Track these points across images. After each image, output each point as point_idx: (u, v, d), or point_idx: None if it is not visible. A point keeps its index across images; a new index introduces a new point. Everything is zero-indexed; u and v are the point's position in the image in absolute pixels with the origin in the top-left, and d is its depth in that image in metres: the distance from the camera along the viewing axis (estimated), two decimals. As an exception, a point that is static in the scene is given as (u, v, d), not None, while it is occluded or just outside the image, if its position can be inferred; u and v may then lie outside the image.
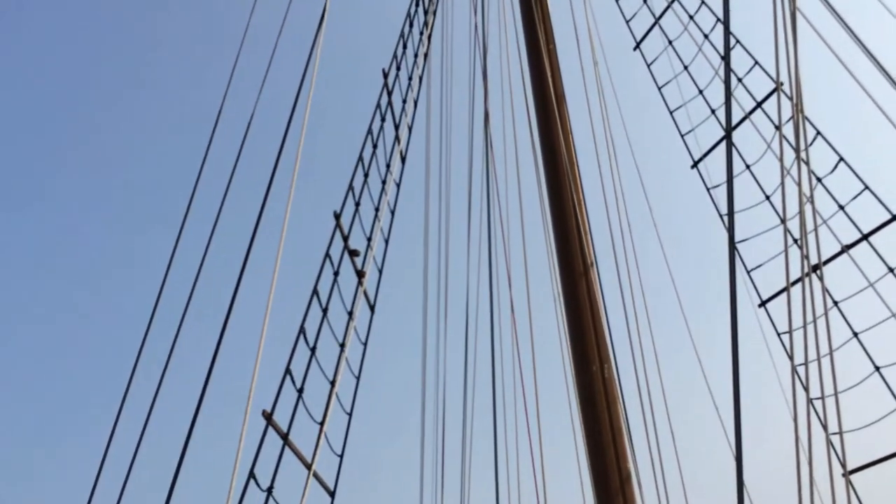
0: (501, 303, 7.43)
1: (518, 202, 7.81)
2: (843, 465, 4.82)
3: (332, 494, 5.14)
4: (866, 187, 6.05)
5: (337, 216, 5.76)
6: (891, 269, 5.72)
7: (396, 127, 7.37)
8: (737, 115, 7.48)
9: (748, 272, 6.80)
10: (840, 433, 4.47)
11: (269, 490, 4.07)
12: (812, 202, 5.24)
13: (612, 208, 7.70)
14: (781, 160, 4.88)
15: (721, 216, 7.41)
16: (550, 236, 7.22)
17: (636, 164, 8.57)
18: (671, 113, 8.19)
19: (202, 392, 3.97)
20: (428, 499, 7.37)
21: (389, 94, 6.98)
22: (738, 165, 7.26)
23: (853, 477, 5.17)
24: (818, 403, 4.68)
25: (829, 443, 4.92)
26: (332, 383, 5.16)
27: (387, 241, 7.12)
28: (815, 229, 4.78)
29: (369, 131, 6.53)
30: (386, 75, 7.11)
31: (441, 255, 8.54)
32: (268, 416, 4.24)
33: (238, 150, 5.50)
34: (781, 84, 4.93)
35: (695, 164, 7.72)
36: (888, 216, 5.89)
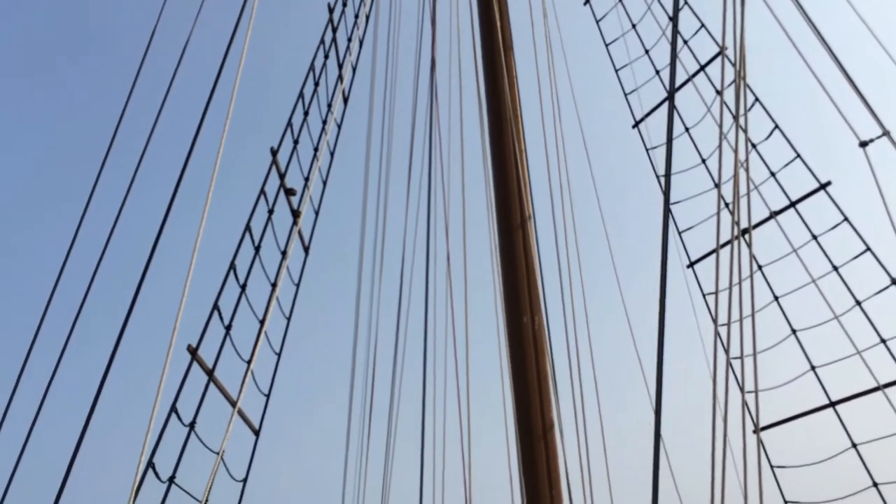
0: (438, 251, 7.44)
1: (460, 151, 7.75)
2: (755, 423, 5.03)
3: (256, 433, 5.12)
4: (798, 156, 6.21)
5: (274, 153, 5.61)
6: (814, 237, 5.91)
7: (340, 66, 7.19)
8: (681, 78, 7.55)
9: (680, 233, 6.95)
10: (755, 392, 4.66)
11: (192, 425, 4.02)
12: (746, 168, 5.34)
13: (552, 163, 7.73)
14: (721, 125, 4.95)
15: (658, 177, 7.52)
16: (490, 187, 7.21)
17: (579, 120, 8.59)
18: (617, 71, 8.21)
19: (124, 323, 3.85)
20: (354, 443, 7.42)
21: (334, 30, 6.77)
22: (678, 128, 7.36)
23: (763, 433, 5.41)
24: (736, 363, 4.85)
25: (744, 401, 5.11)
26: (262, 322, 5.09)
27: (325, 183, 7.00)
28: (748, 194, 4.89)
29: (311, 67, 6.35)
30: (331, 10, 6.90)
31: (380, 201, 8.46)
32: (193, 352, 4.16)
33: (173, 72, 5.27)
34: (726, 49, 4.97)
35: (636, 124, 7.78)
36: (816, 185, 6.07)
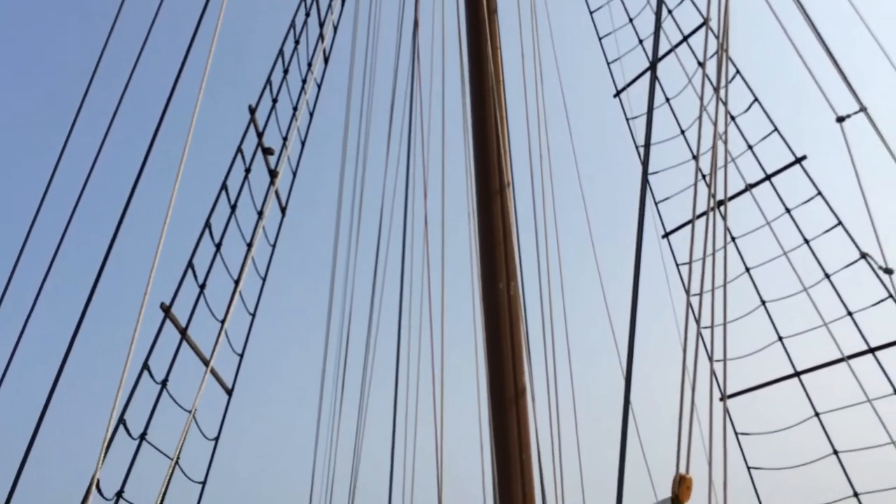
0: (416, 215, 7.42)
1: (441, 115, 7.70)
2: (722, 391, 5.12)
3: (229, 392, 5.13)
4: (775, 129, 6.25)
5: (252, 110, 5.54)
6: (788, 210, 5.98)
7: (321, 25, 7.08)
8: (664, 48, 7.53)
9: (656, 204, 6.99)
10: (724, 361, 4.74)
11: (164, 383, 4.02)
12: (725, 140, 5.37)
13: (533, 130, 7.71)
14: (701, 96, 4.96)
15: (637, 147, 7.54)
16: (470, 152, 7.19)
17: (562, 87, 8.56)
18: (600, 39, 8.18)
19: (95, 280, 3.82)
20: (327, 404, 7.46)
21: (316, -12, 6.66)
22: (658, 98, 7.36)
23: (729, 402, 5.52)
24: (707, 332, 4.92)
25: (712, 370, 5.20)
26: (236, 282, 5.08)
27: (303, 143, 6.93)
28: (725, 166, 4.92)
29: (292, 25, 6.24)
30: (313, -32, 6.77)
31: (359, 164, 8.40)
32: (166, 310, 4.14)
33: (149, 27, 5.16)
34: (709, 20, 4.95)
35: (618, 93, 7.78)
36: (792, 159, 6.12)
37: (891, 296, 5.20)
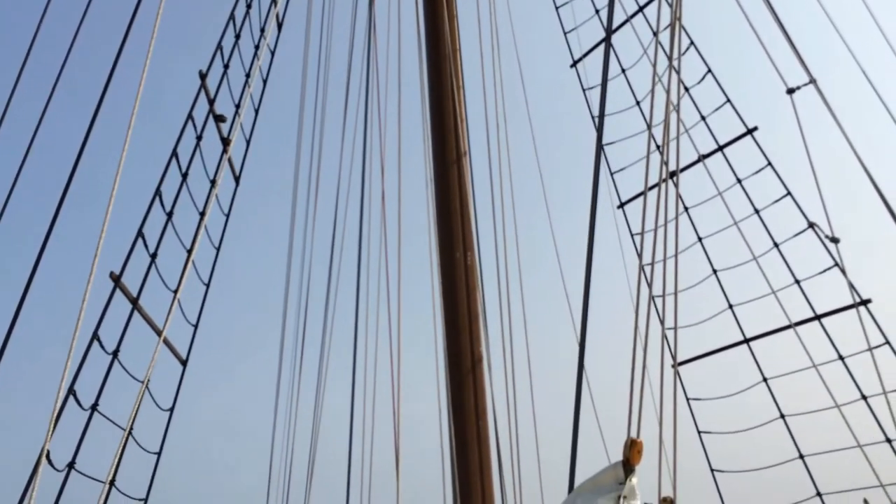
0: (373, 184, 7.36)
1: (398, 84, 7.63)
2: (674, 357, 5.23)
3: (184, 363, 5.07)
4: (728, 100, 6.33)
5: (202, 76, 5.41)
6: (739, 181, 6.09)
7: (274, -11, 6.92)
8: (619, 19, 7.55)
9: (611, 174, 7.05)
10: (675, 328, 4.83)
11: (115, 353, 3.95)
12: (678, 111, 5.43)
13: (490, 100, 7.69)
14: (655, 67, 4.98)
15: (593, 117, 7.57)
16: (427, 121, 7.16)
17: (518, 57, 8.54)
18: (557, 9, 8.16)
19: (41, 249, 3.72)
20: (286, 375, 7.43)
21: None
22: (614, 69, 7.39)
23: (681, 368, 5.64)
24: (659, 301, 5.01)
25: (664, 337, 5.30)
26: (189, 251, 4.99)
27: (257, 111, 6.80)
28: (678, 137, 4.97)
29: (244, -12, 6.09)
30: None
31: (315, 133, 8.28)
32: (116, 279, 4.06)
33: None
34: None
35: (574, 64, 7.78)
36: (744, 129, 6.21)
37: (836, 264, 5.35)
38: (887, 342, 4.96)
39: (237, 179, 6.45)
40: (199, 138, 5.64)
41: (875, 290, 5.29)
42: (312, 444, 6.89)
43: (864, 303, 5.06)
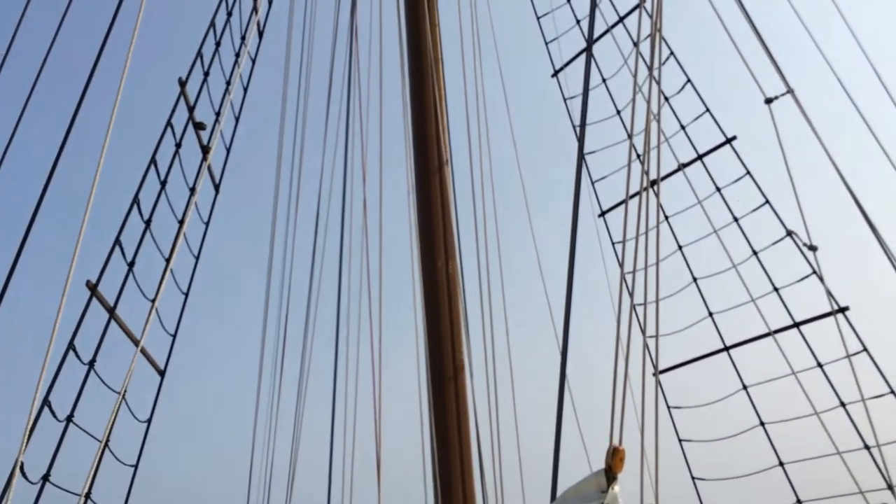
0: (355, 193, 7.34)
1: (379, 93, 7.62)
2: (655, 366, 5.24)
3: (161, 373, 5.01)
4: (707, 110, 6.38)
5: (182, 83, 5.37)
6: (718, 189, 6.13)
7: (255, -3, 6.90)
8: (600, 29, 7.60)
9: (592, 183, 7.08)
10: (656, 336, 4.84)
11: (91, 363, 3.89)
12: (658, 120, 5.46)
13: (472, 109, 7.69)
14: (635, 77, 5.01)
15: (574, 127, 7.61)
16: (409, 130, 7.15)
17: (500, 67, 8.57)
18: (538, 19, 8.20)
19: (17, 254, 3.66)
20: (266, 385, 7.36)
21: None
22: (595, 79, 7.44)
23: (662, 376, 5.66)
24: (640, 309, 5.01)
25: (646, 345, 5.32)
26: (168, 260, 4.94)
27: (237, 119, 6.77)
28: (658, 146, 5.00)
29: (224, -4, 6.07)
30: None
31: (296, 141, 8.25)
32: (92, 287, 4.00)
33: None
34: (644, 1, 5.01)
35: (555, 73, 7.83)
36: (723, 139, 6.26)
37: (814, 272, 5.40)
38: (865, 349, 5.01)
39: (217, 188, 6.40)
40: (178, 146, 5.59)
41: (854, 297, 5.34)
42: (293, 451, 6.84)
43: (842, 310, 5.10)
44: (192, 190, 5.79)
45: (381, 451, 4.81)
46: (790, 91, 6.02)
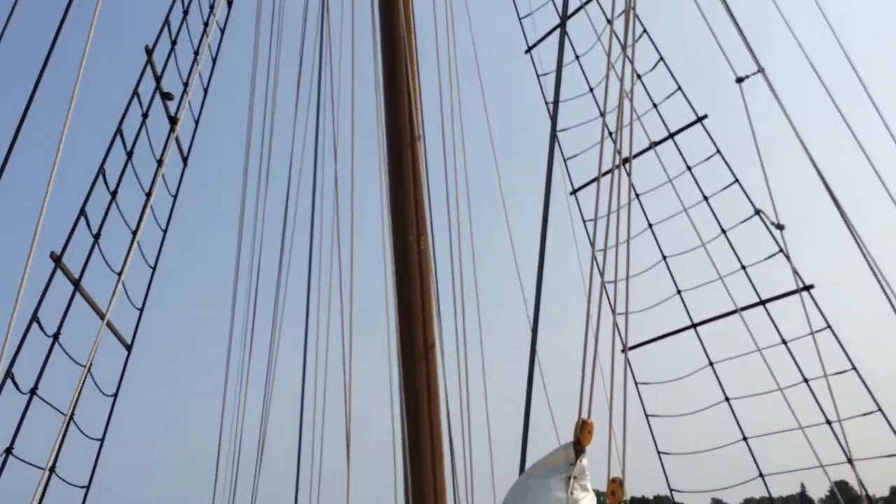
0: (326, 168, 7.26)
1: (351, 66, 7.51)
2: (624, 343, 5.30)
3: (128, 347, 4.95)
4: (679, 88, 6.40)
5: (149, 52, 5.25)
6: (689, 168, 6.17)
7: (225, -34, 6.75)
8: (574, 5, 7.57)
9: (565, 161, 7.09)
10: (626, 314, 4.88)
11: (56, 336, 3.82)
12: (631, 98, 5.47)
13: (444, 84, 7.62)
14: (609, 54, 5.01)
15: (546, 103, 7.59)
16: (381, 105, 7.07)
17: (473, 42, 8.50)
18: (513, -7, 8.13)
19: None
20: (235, 361, 7.30)
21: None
22: (568, 56, 7.42)
23: (631, 353, 5.72)
24: (610, 287, 5.03)
25: (615, 322, 5.35)
26: (134, 233, 4.86)
27: (206, 91, 6.65)
28: (630, 124, 5.01)
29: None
30: None
31: (267, 115, 8.12)
32: (56, 259, 3.92)
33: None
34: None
35: (529, 49, 7.79)
36: (694, 118, 6.29)
37: (781, 250, 5.48)
38: (829, 327, 5.10)
39: (185, 160, 6.30)
40: (144, 116, 5.48)
41: (820, 276, 5.43)
42: (262, 428, 6.81)
43: (807, 288, 5.19)
44: (160, 161, 5.68)
45: (351, 426, 4.80)
46: (761, 70, 6.05)
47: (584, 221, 6.62)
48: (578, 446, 3.06)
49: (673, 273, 5.94)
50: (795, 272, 5.26)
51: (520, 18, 7.97)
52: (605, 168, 4.33)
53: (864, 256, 4.95)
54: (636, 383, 5.60)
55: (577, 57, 7.39)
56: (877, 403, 4.94)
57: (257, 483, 6.58)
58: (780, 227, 5.49)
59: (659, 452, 5.40)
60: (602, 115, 4.67)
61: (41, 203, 3.55)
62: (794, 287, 5.25)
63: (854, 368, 5.01)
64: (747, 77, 6.04)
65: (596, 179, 4.34)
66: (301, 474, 5.91)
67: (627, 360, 5.42)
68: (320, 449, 5.94)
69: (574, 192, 6.84)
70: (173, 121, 5.94)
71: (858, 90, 5.91)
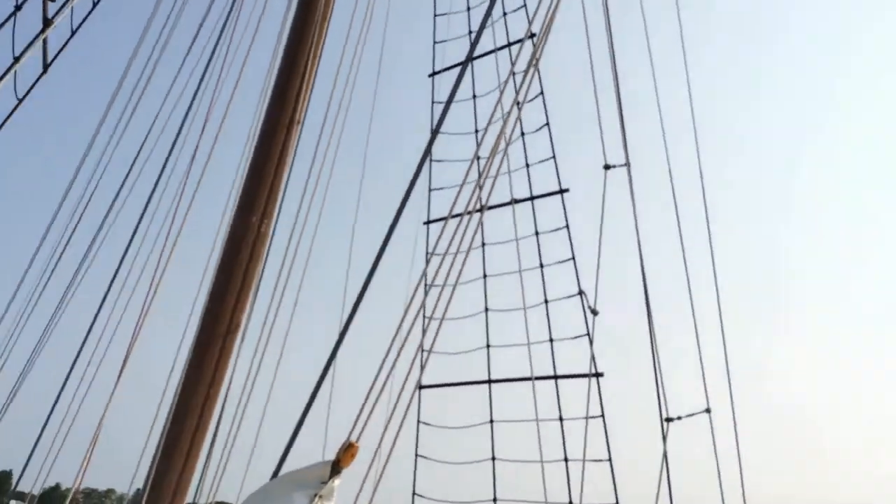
0: (193, 129, 6.96)
1: (254, 32, 7.33)
2: (419, 380, 5.39)
3: None
4: (553, 157, 6.63)
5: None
6: (537, 233, 6.39)
7: None
8: (488, 48, 7.73)
9: (430, 190, 7.20)
10: (430, 352, 4.98)
11: None
12: (506, 154, 5.63)
13: (341, 81, 7.54)
14: (500, 105, 5.15)
15: (431, 131, 7.68)
16: (273, 76, 6.91)
17: (382, 50, 8.47)
18: (435, 17, 8.22)
19: None
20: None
21: None
22: (466, 93, 7.56)
23: (423, 391, 5.82)
24: (428, 322, 5.12)
25: (421, 359, 5.46)
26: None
27: (95, 4, 6.31)
28: (496, 176, 5.15)
29: None
30: None
31: (154, 51, 7.72)
32: None
33: None
34: (533, 35, 5.14)
35: (432, 74, 7.89)
36: (557, 188, 6.53)
37: (587, 334, 5.76)
38: (602, 416, 5.39)
39: (46, 67, 5.95)
40: (17, 7, 5.17)
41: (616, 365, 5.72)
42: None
43: (597, 375, 5.47)
44: (16, 59, 5.36)
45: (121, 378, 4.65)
46: (627, 164, 6.36)
47: (427, 253, 6.73)
48: (337, 466, 3.10)
49: (489, 326, 6.13)
50: (593, 358, 5.54)
51: (434, 42, 8.06)
52: (459, 210, 4.44)
53: (653, 353, 5.22)
54: (418, 421, 5.72)
55: (474, 97, 7.54)
56: (616, 497, 5.25)
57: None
58: (594, 311, 5.77)
59: (414, 493, 5.53)
60: (477, 159, 4.79)
61: None
62: (587, 371, 5.53)
63: (609, 460, 5.31)
64: (614, 167, 6.34)
65: (446, 218, 4.44)
66: (50, 423, 5.66)
67: (418, 397, 5.53)
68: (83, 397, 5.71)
69: (428, 222, 6.95)
70: (47, 22, 5.61)
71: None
